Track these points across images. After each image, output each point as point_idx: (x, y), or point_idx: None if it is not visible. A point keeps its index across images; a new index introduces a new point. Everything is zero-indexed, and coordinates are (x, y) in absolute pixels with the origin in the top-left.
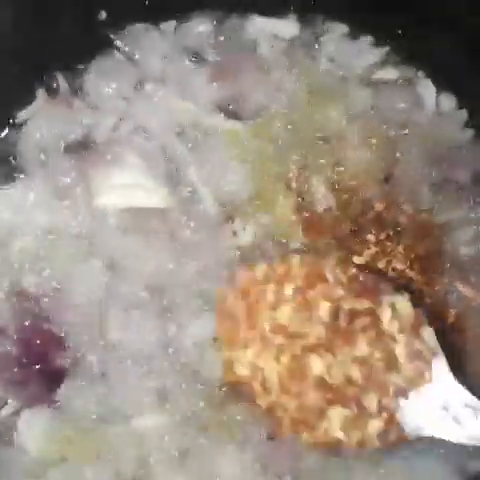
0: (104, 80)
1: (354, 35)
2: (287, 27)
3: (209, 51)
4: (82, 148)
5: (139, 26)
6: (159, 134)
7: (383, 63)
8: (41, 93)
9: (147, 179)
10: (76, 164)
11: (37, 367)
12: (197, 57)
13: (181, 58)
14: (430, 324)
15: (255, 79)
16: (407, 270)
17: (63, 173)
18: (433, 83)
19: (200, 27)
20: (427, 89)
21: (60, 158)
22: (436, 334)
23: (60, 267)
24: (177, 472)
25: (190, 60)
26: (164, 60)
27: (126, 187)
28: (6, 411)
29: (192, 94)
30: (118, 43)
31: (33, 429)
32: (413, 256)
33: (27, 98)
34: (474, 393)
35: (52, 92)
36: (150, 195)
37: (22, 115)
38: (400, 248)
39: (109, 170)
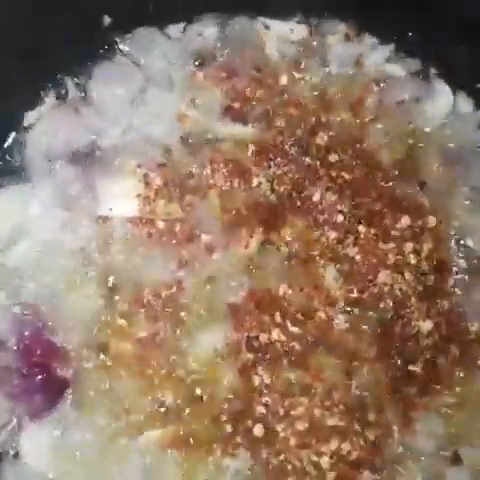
0: (109, 86)
1: (360, 34)
2: (295, 29)
3: (215, 54)
4: (88, 156)
5: (144, 30)
6: (163, 140)
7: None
8: (50, 97)
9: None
10: (82, 173)
11: (39, 378)
12: (203, 61)
13: (187, 62)
14: None
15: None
16: None
17: (68, 182)
18: (448, 84)
19: (206, 30)
20: (443, 90)
21: (66, 166)
22: None
23: (60, 278)
24: None
25: (195, 65)
26: (170, 64)
27: (131, 196)
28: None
29: (197, 99)
30: (123, 47)
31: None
32: None
33: (34, 102)
34: None
35: (60, 97)
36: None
37: (30, 118)
38: None
39: (114, 179)
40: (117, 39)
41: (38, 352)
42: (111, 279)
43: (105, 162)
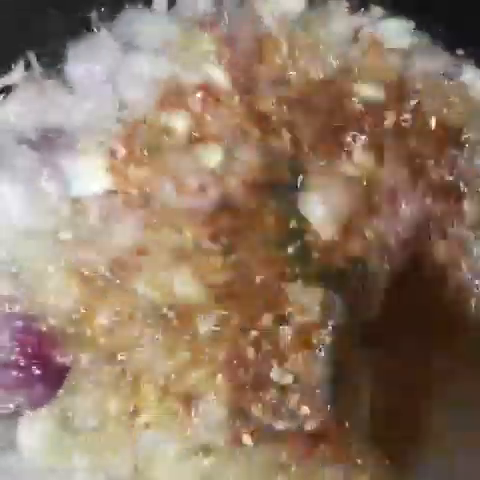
0: (85, 63)
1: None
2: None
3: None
4: (53, 140)
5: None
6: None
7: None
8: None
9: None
10: (48, 157)
11: (38, 368)
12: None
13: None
14: None
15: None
16: None
17: (36, 167)
18: None
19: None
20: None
21: (31, 151)
22: None
23: (36, 267)
24: None
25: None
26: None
27: (100, 172)
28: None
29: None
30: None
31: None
32: None
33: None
34: None
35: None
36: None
37: None
38: None
39: (80, 159)
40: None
41: (34, 342)
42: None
43: (69, 144)
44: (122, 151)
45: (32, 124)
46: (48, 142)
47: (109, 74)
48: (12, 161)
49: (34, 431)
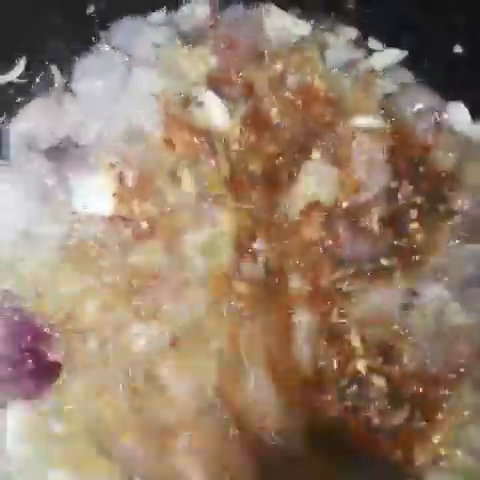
0: (91, 78)
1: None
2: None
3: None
4: (65, 151)
5: (127, 20)
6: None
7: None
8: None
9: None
10: (58, 167)
11: (30, 363)
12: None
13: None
14: None
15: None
16: None
17: (44, 175)
18: None
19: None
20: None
21: (43, 159)
22: None
23: (37, 269)
24: None
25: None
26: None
27: (105, 194)
28: None
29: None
30: (106, 38)
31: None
32: None
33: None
34: None
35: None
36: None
37: None
38: None
39: (89, 176)
40: (101, 31)
41: (27, 338)
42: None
43: (81, 158)
44: (131, 179)
45: (46, 133)
46: (59, 153)
47: (115, 90)
48: (22, 165)
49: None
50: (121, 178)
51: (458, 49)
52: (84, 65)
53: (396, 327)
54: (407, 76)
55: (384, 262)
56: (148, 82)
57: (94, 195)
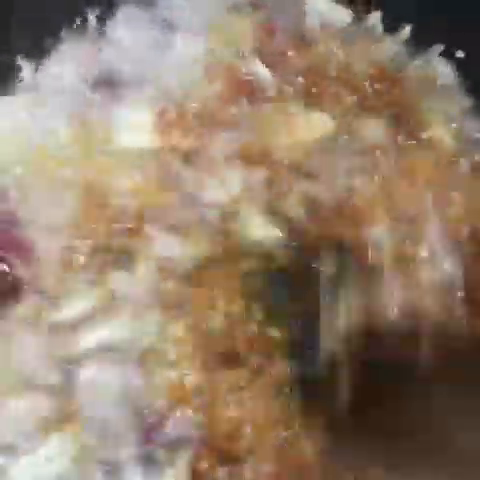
0: (132, 29)
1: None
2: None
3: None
4: (107, 85)
5: None
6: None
7: None
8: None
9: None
10: (99, 100)
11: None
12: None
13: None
14: None
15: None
16: None
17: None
18: None
19: None
20: None
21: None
22: None
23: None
24: None
25: None
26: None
27: (145, 129)
28: None
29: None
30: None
31: None
32: None
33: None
34: None
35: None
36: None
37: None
38: None
39: (129, 110)
40: None
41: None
42: None
43: (122, 93)
44: (172, 113)
45: (89, 69)
46: (104, 85)
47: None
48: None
49: None
50: (162, 112)
51: None
52: (125, 14)
53: None
54: None
55: None
56: (194, 47)
57: (134, 128)
